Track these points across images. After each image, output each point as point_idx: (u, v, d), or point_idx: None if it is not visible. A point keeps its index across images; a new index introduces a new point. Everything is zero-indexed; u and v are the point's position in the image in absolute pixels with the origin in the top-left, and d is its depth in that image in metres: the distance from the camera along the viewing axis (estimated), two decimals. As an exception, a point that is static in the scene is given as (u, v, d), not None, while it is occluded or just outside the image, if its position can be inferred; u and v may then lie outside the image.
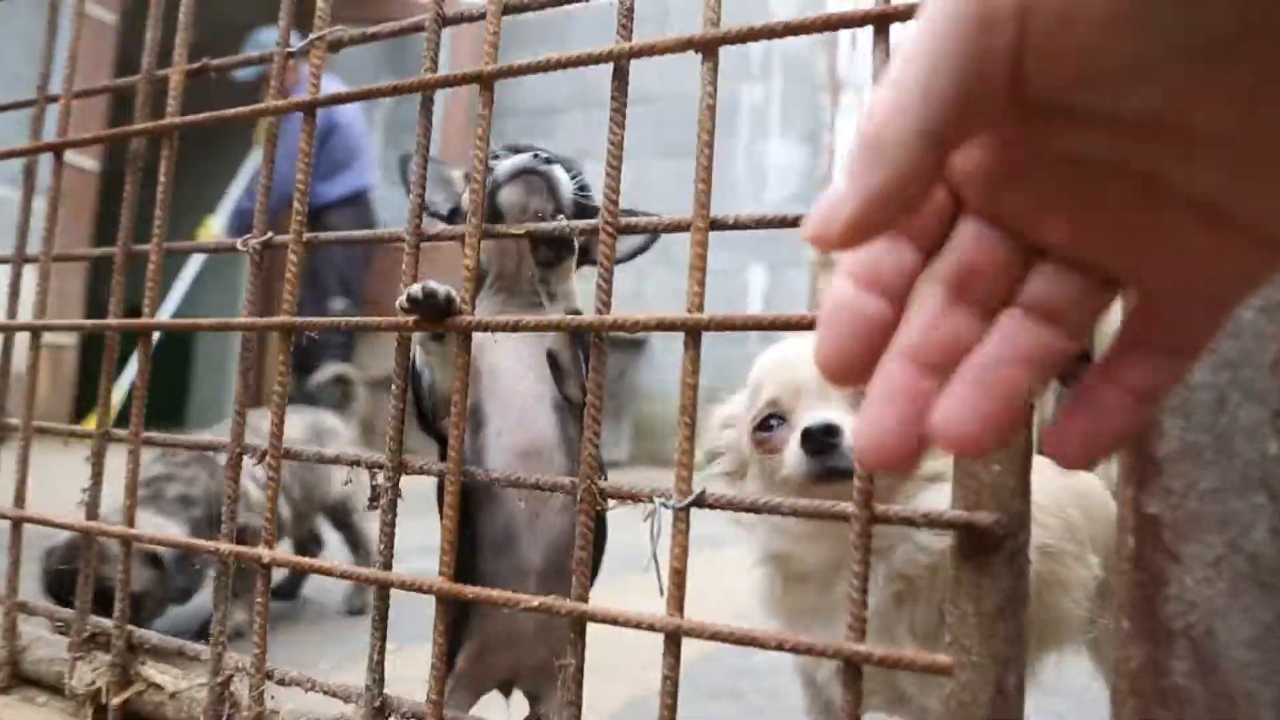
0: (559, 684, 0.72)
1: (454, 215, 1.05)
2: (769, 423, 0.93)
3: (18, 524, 1.03)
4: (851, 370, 0.36)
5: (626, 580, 0.87)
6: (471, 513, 0.92)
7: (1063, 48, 0.31)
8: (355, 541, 2.26)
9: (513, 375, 0.97)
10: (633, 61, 0.74)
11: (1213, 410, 0.57)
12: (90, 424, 1.04)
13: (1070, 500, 0.99)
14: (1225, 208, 0.32)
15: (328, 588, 2.27)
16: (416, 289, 0.77)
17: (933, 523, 0.63)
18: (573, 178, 0.97)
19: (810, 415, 0.88)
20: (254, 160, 5.05)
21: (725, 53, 0.74)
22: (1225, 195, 0.32)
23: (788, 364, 0.95)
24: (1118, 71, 0.31)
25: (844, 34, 5.89)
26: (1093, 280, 0.35)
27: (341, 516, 2.22)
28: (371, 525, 2.21)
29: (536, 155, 0.96)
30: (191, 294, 5.09)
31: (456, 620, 0.90)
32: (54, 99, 1.11)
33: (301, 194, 0.88)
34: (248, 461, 0.90)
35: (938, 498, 0.88)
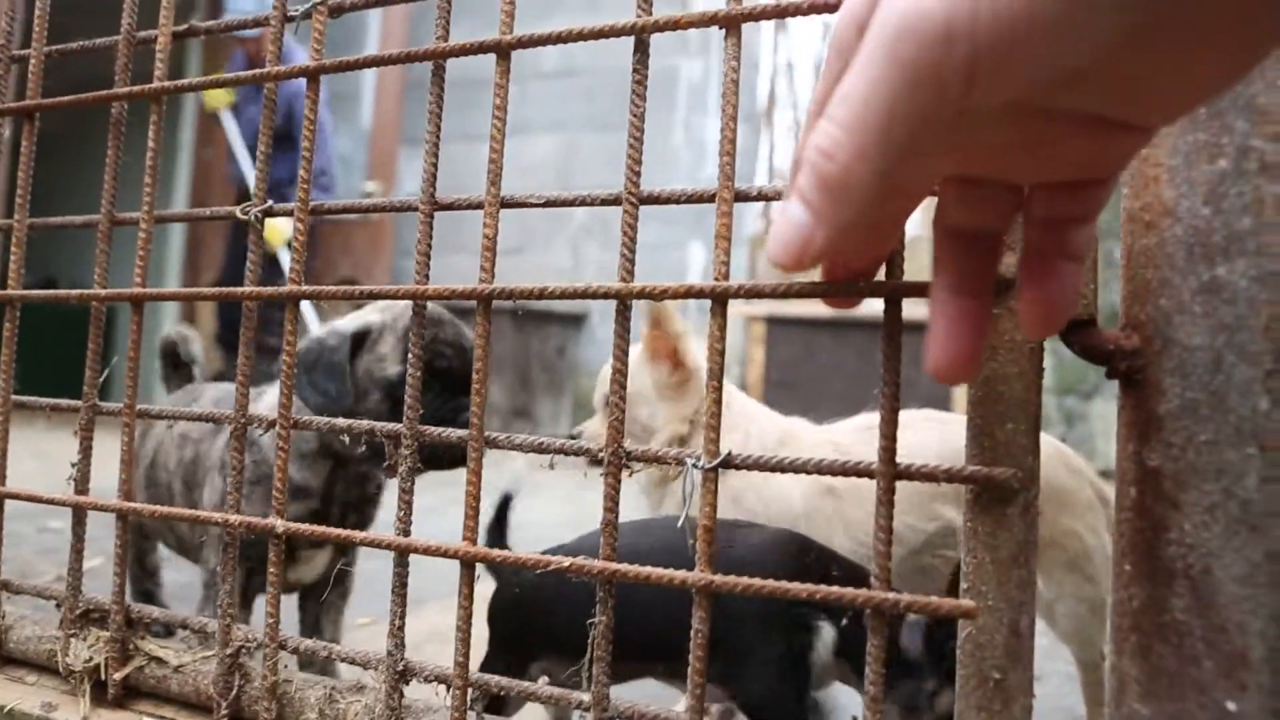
0: (589, 641, 0.75)
1: None
2: None
3: (-1, 501, 1.00)
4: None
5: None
6: None
7: (1011, 78, 0.35)
8: None
9: None
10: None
11: (1210, 370, 0.63)
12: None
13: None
14: (1110, 115, 0.38)
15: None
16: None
17: (952, 478, 0.67)
18: None
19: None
20: (230, 126, 4.85)
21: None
22: (1110, 106, 0.38)
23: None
24: (1060, 73, 0.35)
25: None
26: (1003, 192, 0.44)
27: None
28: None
29: None
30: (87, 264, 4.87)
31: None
32: (20, 59, 1.06)
33: (307, 160, 0.88)
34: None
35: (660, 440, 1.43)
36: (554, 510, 2.42)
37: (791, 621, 0.98)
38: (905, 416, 1.43)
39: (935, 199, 0.50)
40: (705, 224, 5.79)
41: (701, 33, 5.87)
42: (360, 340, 1.24)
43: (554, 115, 6.13)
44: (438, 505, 1.25)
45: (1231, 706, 0.60)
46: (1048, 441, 1.32)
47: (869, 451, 1.36)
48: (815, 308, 4.94)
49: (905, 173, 0.39)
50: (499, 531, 1.22)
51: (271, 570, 0.86)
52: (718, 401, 0.71)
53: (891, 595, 0.65)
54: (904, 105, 0.35)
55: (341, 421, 0.87)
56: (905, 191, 0.44)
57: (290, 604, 1.64)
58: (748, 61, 6.03)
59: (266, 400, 1.35)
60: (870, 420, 1.40)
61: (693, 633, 0.70)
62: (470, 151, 5.60)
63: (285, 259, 4.68)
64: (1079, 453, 1.38)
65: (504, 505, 1.24)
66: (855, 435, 1.39)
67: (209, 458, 1.36)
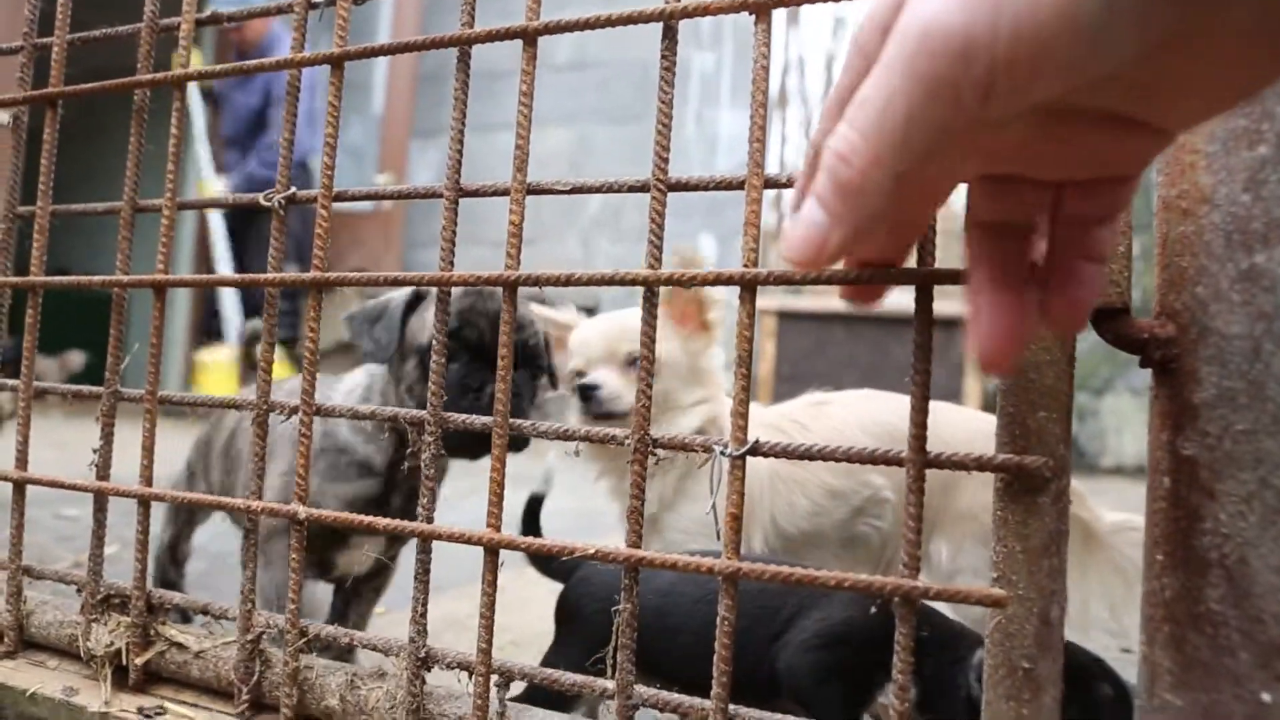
0: (613, 629, 0.74)
1: None
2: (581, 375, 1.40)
3: (21, 487, 1.00)
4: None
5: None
6: None
7: (1028, 91, 0.35)
8: None
9: None
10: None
11: (1248, 359, 0.62)
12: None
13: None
14: (1130, 116, 0.38)
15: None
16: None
17: (983, 466, 0.67)
18: None
19: (589, 377, 1.37)
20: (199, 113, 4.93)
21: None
22: (1129, 109, 0.38)
23: (586, 339, 1.42)
24: (1076, 83, 0.35)
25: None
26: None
27: None
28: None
29: None
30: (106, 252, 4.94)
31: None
32: (44, 46, 1.06)
33: (330, 148, 0.87)
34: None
35: (692, 421, 1.40)
36: (558, 501, 2.41)
37: (862, 674, 0.96)
38: (846, 396, 1.49)
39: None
40: (717, 216, 5.77)
41: (714, 25, 5.84)
42: (416, 301, 1.27)
43: (566, 107, 6.11)
44: (450, 496, 1.25)
45: (1267, 698, 0.59)
46: (980, 416, 1.41)
47: (818, 425, 1.41)
48: (827, 301, 4.93)
49: (925, 174, 0.40)
50: (531, 532, 1.22)
51: (293, 556, 0.86)
52: (746, 389, 0.71)
53: (920, 584, 0.65)
54: (920, 115, 0.35)
55: (365, 407, 0.87)
56: (930, 191, 0.44)
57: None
58: (759, 54, 6.00)
59: (344, 385, 1.37)
60: (818, 397, 1.49)
61: (719, 620, 0.70)
62: (480, 142, 5.58)
63: (215, 222, 4.83)
64: (1091, 448, 1.39)
65: (533, 504, 1.23)
66: (806, 411, 1.47)
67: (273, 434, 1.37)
